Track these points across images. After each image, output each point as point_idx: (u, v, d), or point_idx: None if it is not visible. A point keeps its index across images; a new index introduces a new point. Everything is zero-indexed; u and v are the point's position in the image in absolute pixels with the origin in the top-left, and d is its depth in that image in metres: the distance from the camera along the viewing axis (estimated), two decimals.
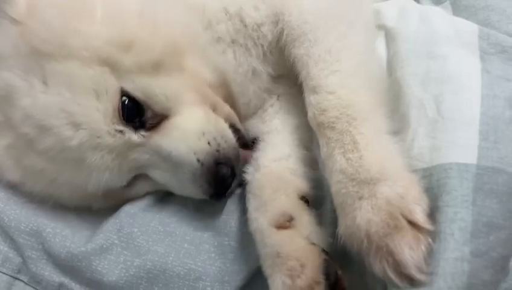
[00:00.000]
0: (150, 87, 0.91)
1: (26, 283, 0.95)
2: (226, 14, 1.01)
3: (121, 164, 0.92)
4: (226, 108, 1.03)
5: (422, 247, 0.71)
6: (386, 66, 1.02)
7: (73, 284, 0.94)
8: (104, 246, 0.95)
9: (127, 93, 0.89)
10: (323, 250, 0.84)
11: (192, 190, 0.94)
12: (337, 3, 1.02)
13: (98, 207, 1.01)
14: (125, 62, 0.89)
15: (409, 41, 0.99)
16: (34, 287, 0.95)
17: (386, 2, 1.15)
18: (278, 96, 1.11)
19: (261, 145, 1.04)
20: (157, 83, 0.92)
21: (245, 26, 1.02)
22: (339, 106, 0.85)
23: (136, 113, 0.91)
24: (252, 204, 0.94)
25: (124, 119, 0.90)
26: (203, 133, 0.94)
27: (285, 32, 0.97)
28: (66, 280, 0.94)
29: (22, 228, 0.97)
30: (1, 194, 1.00)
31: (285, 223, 0.90)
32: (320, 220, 0.92)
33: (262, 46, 1.03)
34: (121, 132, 0.89)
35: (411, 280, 0.70)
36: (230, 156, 0.95)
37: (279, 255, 0.84)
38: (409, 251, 0.70)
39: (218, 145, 0.94)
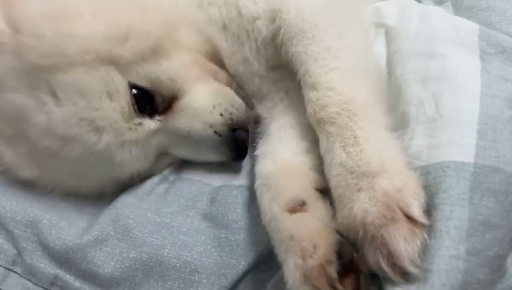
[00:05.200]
0: (155, 74, 0.94)
1: (20, 275, 0.94)
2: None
3: (147, 152, 0.98)
4: (225, 74, 1.07)
5: (418, 241, 0.71)
6: (386, 65, 1.03)
7: (68, 276, 0.93)
8: (100, 237, 0.94)
9: (135, 86, 0.93)
10: (338, 232, 0.81)
11: (214, 157, 1.03)
12: (334, 0, 1.02)
13: (113, 191, 1.03)
14: (126, 54, 0.91)
15: (409, 40, 1.00)
16: (28, 279, 0.94)
17: (386, 1, 1.16)
18: (287, 91, 1.10)
19: (275, 141, 1.04)
20: (161, 68, 0.95)
21: (240, 16, 1.02)
22: (339, 102, 0.85)
23: (147, 101, 0.95)
24: (265, 197, 0.93)
25: (138, 111, 0.94)
26: (214, 107, 0.99)
27: (282, 30, 0.97)
28: (61, 272, 0.94)
29: (18, 219, 0.97)
30: None
31: (297, 207, 0.88)
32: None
33: (256, 40, 1.03)
34: (140, 124, 0.94)
35: (404, 274, 0.70)
36: (243, 120, 1.02)
37: (293, 238, 0.83)
38: (404, 243, 0.70)
39: (230, 114, 1.00)
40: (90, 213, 1.00)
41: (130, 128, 0.93)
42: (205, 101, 1.00)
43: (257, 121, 1.10)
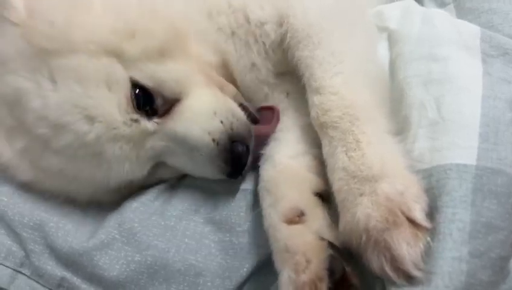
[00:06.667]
0: (158, 74, 0.92)
1: (28, 277, 0.95)
2: (229, 7, 1.03)
3: (139, 154, 0.94)
4: (232, 87, 1.05)
5: (420, 244, 0.72)
6: (389, 68, 1.03)
7: (74, 278, 0.94)
8: (105, 241, 0.95)
9: (136, 82, 0.90)
10: (332, 245, 0.83)
11: (209, 170, 0.96)
12: (339, 4, 1.03)
13: (111, 201, 1.01)
14: (131, 51, 0.90)
15: (411, 43, 1.00)
16: (36, 281, 0.95)
17: (389, 4, 1.16)
18: (287, 94, 1.11)
19: (274, 143, 1.04)
20: (165, 68, 0.93)
21: (248, 22, 1.03)
22: (341, 106, 0.86)
23: (147, 101, 0.92)
24: (266, 201, 0.94)
25: (136, 108, 0.91)
26: (215, 113, 0.95)
27: (288, 35, 0.98)
28: (67, 275, 0.95)
29: (26, 221, 0.98)
30: (5, 189, 1.01)
31: (295, 218, 0.89)
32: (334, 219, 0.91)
33: (264, 44, 1.04)
34: (136, 120, 0.91)
35: (408, 277, 0.71)
36: (243, 133, 0.97)
37: (288, 250, 0.84)
38: (407, 246, 0.71)
39: (231, 123, 0.95)
40: (96, 217, 1.00)
41: (124, 123, 0.89)
42: (207, 105, 0.96)
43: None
